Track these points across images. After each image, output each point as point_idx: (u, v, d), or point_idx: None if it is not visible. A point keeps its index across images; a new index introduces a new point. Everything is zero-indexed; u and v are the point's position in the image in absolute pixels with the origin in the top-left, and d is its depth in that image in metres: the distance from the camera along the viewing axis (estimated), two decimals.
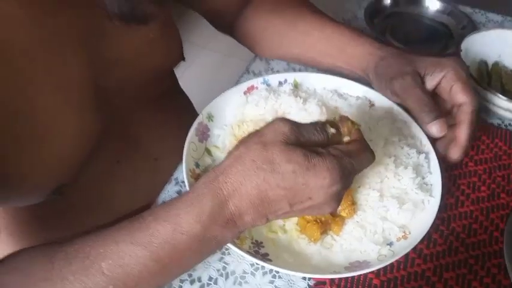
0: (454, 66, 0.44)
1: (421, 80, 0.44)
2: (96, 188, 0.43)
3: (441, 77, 0.44)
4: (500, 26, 0.73)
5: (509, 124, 0.55)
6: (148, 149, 0.47)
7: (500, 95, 0.52)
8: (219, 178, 0.30)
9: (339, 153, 0.31)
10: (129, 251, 0.29)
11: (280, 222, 0.41)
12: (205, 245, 0.31)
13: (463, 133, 0.43)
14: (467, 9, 0.74)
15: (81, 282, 0.29)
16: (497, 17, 0.74)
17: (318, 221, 0.40)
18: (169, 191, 0.46)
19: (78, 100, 0.35)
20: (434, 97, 0.45)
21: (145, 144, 0.47)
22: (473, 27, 0.68)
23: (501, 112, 0.53)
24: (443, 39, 0.67)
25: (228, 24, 0.57)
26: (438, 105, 0.44)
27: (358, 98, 0.51)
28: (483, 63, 0.60)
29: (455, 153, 0.43)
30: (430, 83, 0.45)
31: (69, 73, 0.34)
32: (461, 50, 0.57)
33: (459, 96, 0.43)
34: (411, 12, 0.71)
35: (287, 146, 0.29)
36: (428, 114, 0.43)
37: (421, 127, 0.46)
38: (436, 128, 0.43)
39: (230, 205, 0.30)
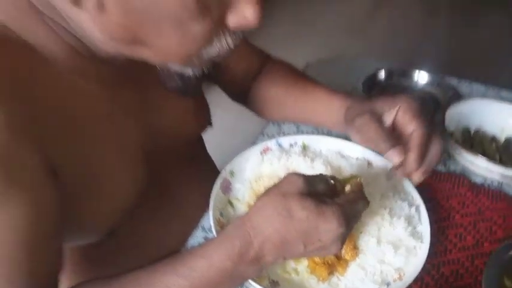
0: (405, 101, 0.50)
1: (378, 117, 0.50)
2: (139, 231, 0.51)
3: (396, 112, 0.50)
4: (484, 95, 0.82)
5: (492, 182, 0.63)
6: (180, 199, 0.55)
7: (482, 157, 0.60)
8: (247, 223, 0.38)
9: (342, 202, 0.39)
10: (173, 281, 0.37)
11: (292, 264, 0.48)
12: (233, 279, 0.38)
13: (411, 156, 0.47)
14: (454, 81, 0.85)
15: None
16: (481, 88, 0.84)
17: (326, 263, 0.46)
18: (197, 236, 0.53)
19: (131, 160, 0.44)
20: (394, 131, 0.51)
21: (178, 196, 0.55)
22: (458, 96, 0.78)
23: (483, 172, 0.61)
24: (432, 108, 0.77)
25: (242, 94, 0.67)
26: (396, 137, 0.50)
27: (357, 158, 0.60)
28: (466, 130, 0.69)
29: (401, 174, 0.49)
30: (388, 119, 0.50)
31: (128, 138, 0.44)
32: (445, 118, 0.66)
33: (410, 126, 0.49)
34: (403, 84, 0.82)
35: (301, 196, 0.37)
36: (385, 143, 0.48)
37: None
38: (393, 155, 0.48)
39: (255, 246, 0.37)
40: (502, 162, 0.63)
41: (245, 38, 0.63)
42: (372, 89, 0.79)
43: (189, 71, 0.39)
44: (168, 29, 0.32)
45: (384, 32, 2.58)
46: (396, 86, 0.82)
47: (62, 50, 0.37)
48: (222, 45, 0.36)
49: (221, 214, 0.51)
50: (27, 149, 0.33)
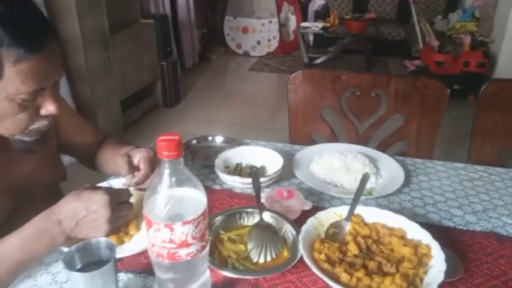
0: (144, 151, 0.89)
1: (129, 157, 0.88)
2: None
3: (139, 156, 0.88)
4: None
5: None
6: None
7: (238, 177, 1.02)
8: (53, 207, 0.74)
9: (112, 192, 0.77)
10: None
11: None
12: (41, 239, 0.71)
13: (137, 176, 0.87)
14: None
15: None
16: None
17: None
18: None
19: (0, 193, 0.80)
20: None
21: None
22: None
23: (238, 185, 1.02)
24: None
25: (89, 160, 1.07)
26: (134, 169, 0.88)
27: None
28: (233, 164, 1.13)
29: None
30: (136, 159, 0.88)
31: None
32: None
33: (141, 164, 0.88)
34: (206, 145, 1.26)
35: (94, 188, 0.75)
36: (124, 171, 0.86)
37: None
38: (127, 178, 0.87)
39: (55, 211, 0.72)
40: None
41: (90, 124, 1.06)
42: None
43: (26, 138, 0.78)
44: (8, 119, 0.72)
45: None
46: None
47: None
48: (40, 124, 0.76)
49: None
50: None
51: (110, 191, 0.77)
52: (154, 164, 0.89)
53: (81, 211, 0.73)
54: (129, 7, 3.33)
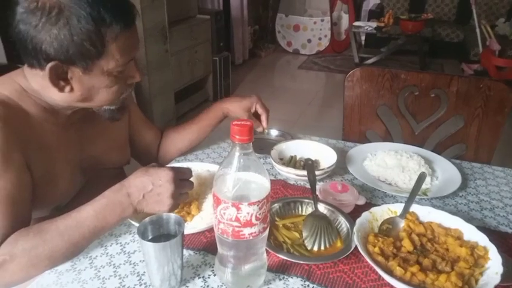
0: (257, 98, 1.10)
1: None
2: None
3: (255, 103, 1.10)
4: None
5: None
6: None
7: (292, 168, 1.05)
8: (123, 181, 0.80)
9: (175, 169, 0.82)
10: (79, 214, 0.77)
11: None
12: (114, 207, 0.76)
13: (263, 118, 1.10)
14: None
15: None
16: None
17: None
18: None
19: (71, 171, 0.89)
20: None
21: None
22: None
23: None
24: None
25: (153, 158, 1.15)
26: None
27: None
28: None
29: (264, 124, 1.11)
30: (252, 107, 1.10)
31: (70, 158, 0.89)
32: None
33: (260, 110, 1.05)
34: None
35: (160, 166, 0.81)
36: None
37: None
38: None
39: (125, 185, 0.77)
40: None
41: (150, 123, 1.14)
42: None
43: (112, 107, 0.86)
44: (103, 92, 0.80)
45: None
46: None
47: (38, 110, 0.83)
48: (126, 93, 0.85)
49: None
50: (15, 150, 0.76)
51: (174, 168, 0.81)
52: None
53: (148, 185, 0.78)
54: (187, 2, 3.46)
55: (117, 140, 1.03)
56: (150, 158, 1.17)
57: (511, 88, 1.20)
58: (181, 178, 0.82)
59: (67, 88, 0.77)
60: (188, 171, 0.85)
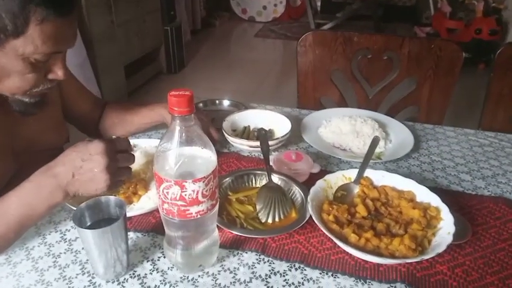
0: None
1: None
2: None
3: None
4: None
5: None
6: None
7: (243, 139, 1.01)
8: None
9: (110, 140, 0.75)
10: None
11: None
12: (41, 190, 0.68)
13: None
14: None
15: None
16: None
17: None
18: None
19: (1, 156, 0.79)
20: None
21: None
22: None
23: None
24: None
25: (93, 127, 1.06)
26: None
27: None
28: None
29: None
30: None
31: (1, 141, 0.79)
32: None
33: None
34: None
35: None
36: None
37: None
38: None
39: (52, 165, 0.69)
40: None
41: (89, 91, 1.04)
42: None
43: (26, 99, 0.76)
44: (15, 76, 0.70)
45: None
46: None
47: None
48: (43, 87, 0.75)
49: None
50: None
51: (106, 139, 0.72)
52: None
53: (77, 161, 0.68)
54: None
55: (52, 117, 0.94)
56: (89, 130, 1.09)
57: (461, 48, 1.21)
58: (118, 150, 0.74)
59: None
60: (125, 142, 0.76)
